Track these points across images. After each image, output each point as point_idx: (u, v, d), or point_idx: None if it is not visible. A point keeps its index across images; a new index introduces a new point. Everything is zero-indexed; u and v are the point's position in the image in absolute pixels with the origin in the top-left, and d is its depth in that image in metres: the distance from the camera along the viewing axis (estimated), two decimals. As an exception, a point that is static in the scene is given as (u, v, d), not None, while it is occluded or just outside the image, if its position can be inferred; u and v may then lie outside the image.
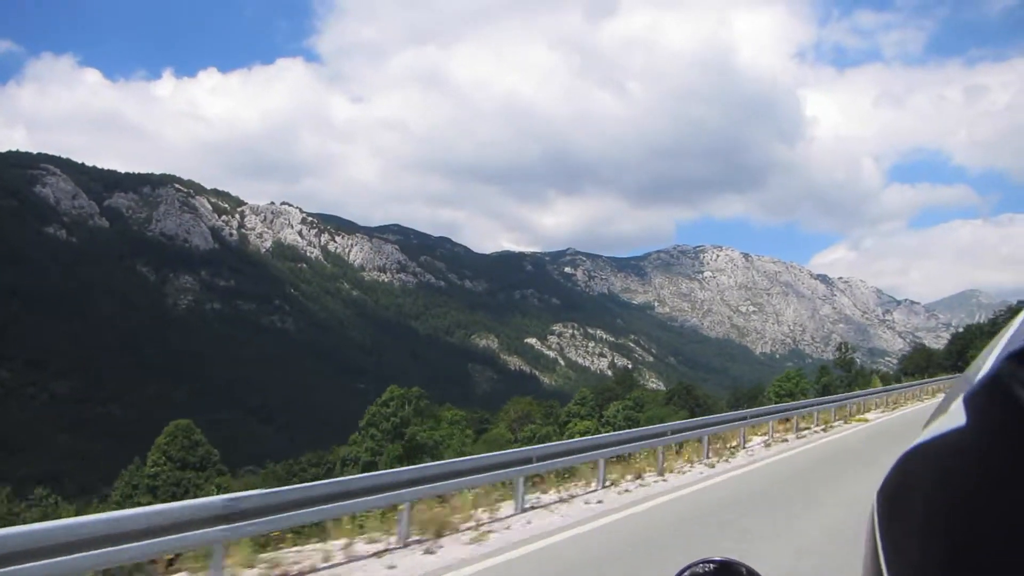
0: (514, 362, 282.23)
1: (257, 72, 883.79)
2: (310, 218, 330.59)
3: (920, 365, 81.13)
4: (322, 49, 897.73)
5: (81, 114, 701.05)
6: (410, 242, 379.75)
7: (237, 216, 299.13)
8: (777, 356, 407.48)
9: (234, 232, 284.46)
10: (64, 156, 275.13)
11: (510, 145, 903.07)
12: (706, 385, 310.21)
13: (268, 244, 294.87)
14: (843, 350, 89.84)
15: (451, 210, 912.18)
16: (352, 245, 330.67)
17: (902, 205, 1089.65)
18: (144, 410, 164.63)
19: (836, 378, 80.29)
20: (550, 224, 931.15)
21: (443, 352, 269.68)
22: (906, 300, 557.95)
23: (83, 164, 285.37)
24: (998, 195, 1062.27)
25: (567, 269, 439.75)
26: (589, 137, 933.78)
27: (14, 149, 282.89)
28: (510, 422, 75.06)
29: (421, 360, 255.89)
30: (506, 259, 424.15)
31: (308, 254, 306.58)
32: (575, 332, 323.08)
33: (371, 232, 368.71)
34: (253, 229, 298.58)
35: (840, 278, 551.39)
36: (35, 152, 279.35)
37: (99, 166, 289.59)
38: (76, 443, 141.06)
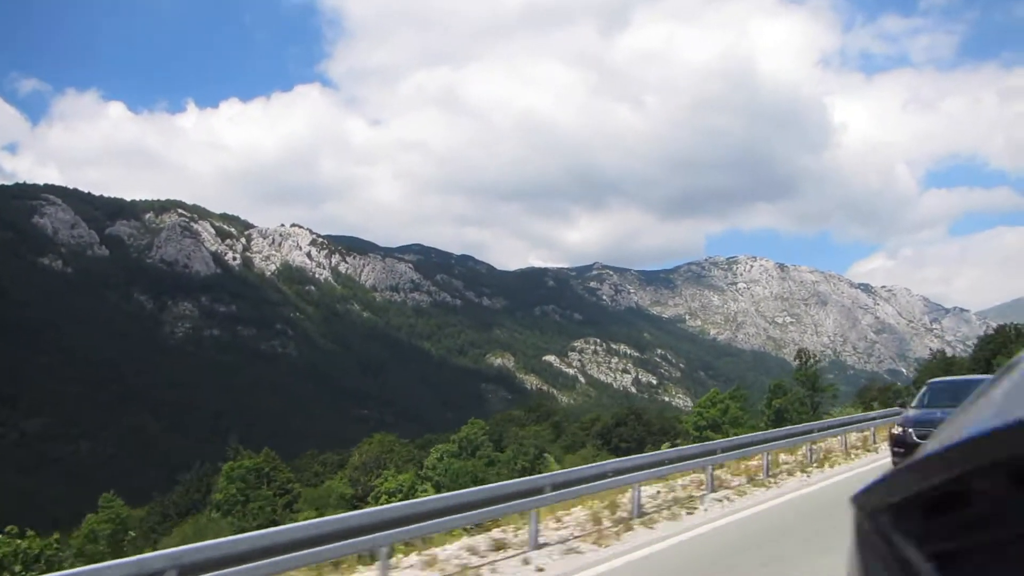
0: (531, 381, 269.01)
1: (276, 99, 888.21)
2: (320, 239, 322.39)
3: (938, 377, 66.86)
4: (334, 73, 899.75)
5: (108, 147, 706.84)
6: (430, 261, 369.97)
7: (243, 240, 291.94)
8: (816, 368, 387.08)
9: (237, 256, 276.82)
10: (71, 187, 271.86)
11: (531, 163, 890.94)
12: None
13: (274, 267, 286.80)
14: (804, 359, 75.60)
15: (476, 229, 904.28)
16: (364, 265, 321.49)
17: (940, 212, 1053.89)
18: (119, 446, 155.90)
19: (796, 399, 66.84)
20: (576, 240, 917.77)
21: (455, 373, 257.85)
22: (955, 308, 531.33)
23: (89, 193, 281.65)
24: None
25: (592, 284, 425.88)
26: (610, 152, 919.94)
27: (20, 181, 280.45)
28: (352, 469, 62.02)
29: (430, 382, 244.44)
30: (528, 275, 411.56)
31: (317, 276, 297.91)
32: (597, 348, 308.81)
33: (390, 252, 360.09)
34: (259, 252, 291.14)
35: (883, 287, 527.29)
36: (42, 184, 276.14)
37: (107, 195, 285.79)
38: (38, 484, 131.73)
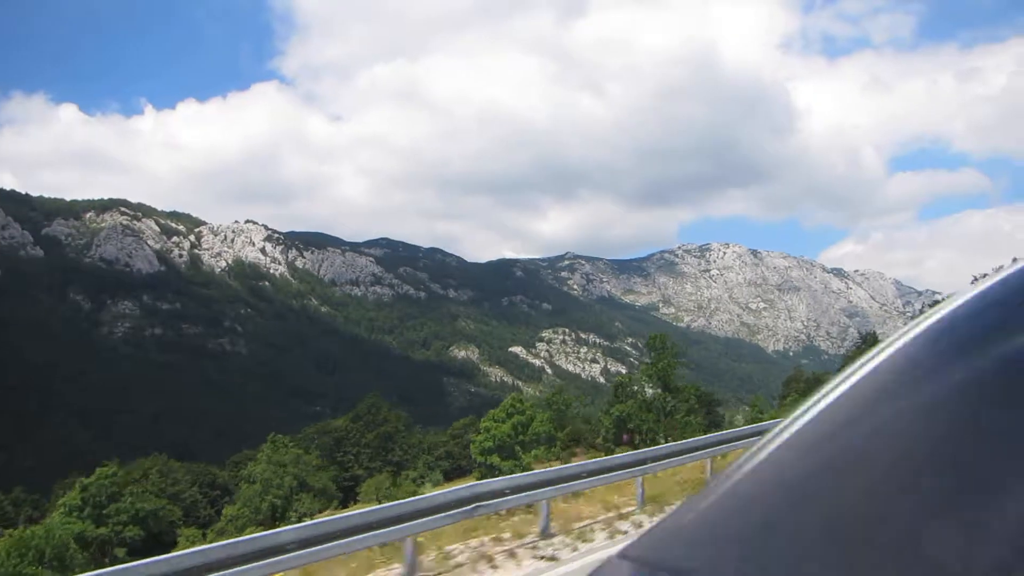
0: (495, 373, 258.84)
1: (233, 98, 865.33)
2: (277, 235, 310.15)
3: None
4: (288, 70, 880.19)
5: (62, 150, 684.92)
6: (397, 255, 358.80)
7: (192, 237, 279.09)
8: (791, 354, 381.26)
9: (184, 253, 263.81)
10: (7, 188, 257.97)
11: (497, 155, 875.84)
12: (712, 388, 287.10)
13: (224, 264, 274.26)
14: (656, 344, 63.16)
15: (447, 223, 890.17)
16: (323, 260, 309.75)
17: (908, 195, 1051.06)
18: (38, 457, 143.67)
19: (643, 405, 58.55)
20: (549, 231, 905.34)
21: (416, 367, 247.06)
22: (927, 291, 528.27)
23: (27, 195, 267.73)
24: (1007, 178, 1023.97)
25: (563, 274, 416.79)
26: (577, 142, 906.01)
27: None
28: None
29: (390, 377, 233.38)
30: (497, 267, 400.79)
31: (272, 271, 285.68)
32: (566, 338, 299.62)
33: (357, 247, 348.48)
34: (209, 249, 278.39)
35: (857, 271, 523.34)
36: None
37: (46, 195, 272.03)
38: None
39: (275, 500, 60.86)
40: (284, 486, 62.04)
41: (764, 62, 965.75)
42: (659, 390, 60.82)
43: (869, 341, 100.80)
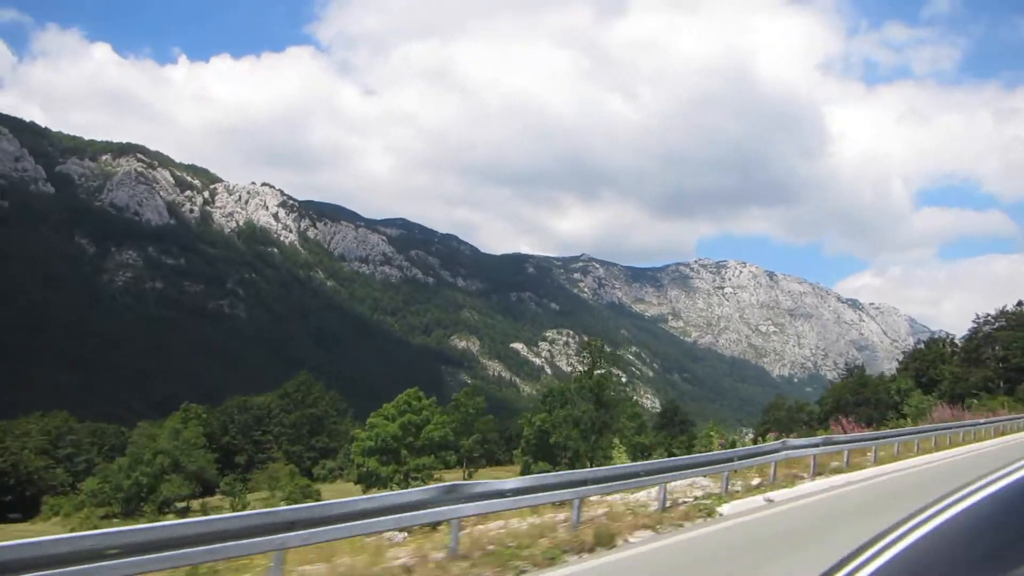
0: (494, 367, 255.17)
1: (267, 59, 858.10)
2: (292, 201, 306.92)
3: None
4: (324, 36, 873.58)
5: (94, 89, 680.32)
6: (412, 236, 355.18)
7: (205, 194, 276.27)
8: (795, 380, 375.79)
9: (196, 209, 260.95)
10: (28, 119, 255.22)
11: (522, 146, 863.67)
12: (711, 407, 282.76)
13: (235, 225, 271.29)
14: (591, 349, 58.26)
15: (467, 210, 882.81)
16: (335, 233, 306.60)
17: (932, 232, 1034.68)
18: (19, 403, 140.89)
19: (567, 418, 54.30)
20: (566, 229, 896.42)
21: (415, 352, 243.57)
22: (940, 331, 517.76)
23: (46, 128, 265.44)
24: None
25: (576, 275, 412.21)
26: (603, 142, 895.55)
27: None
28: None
29: (387, 359, 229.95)
30: (509, 261, 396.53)
31: (282, 239, 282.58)
32: (569, 340, 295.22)
33: (373, 224, 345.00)
34: (222, 208, 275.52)
35: (872, 304, 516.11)
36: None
37: (64, 132, 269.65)
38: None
39: (142, 478, 54.54)
40: (155, 464, 55.76)
41: (801, 81, 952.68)
42: (590, 404, 54.55)
43: (856, 375, 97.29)
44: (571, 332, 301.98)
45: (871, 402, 67.19)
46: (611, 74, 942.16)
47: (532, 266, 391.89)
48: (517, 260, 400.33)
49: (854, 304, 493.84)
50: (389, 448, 52.43)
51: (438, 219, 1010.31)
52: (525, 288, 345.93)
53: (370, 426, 54.51)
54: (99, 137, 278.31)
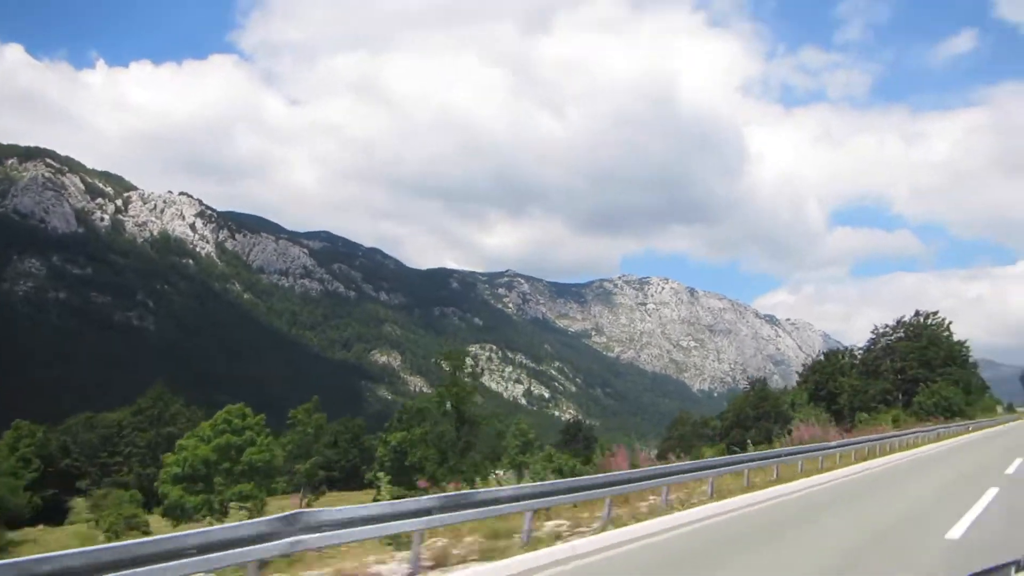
0: (415, 383, 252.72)
1: (190, 66, 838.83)
2: (209, 211, 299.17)
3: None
4: (246, 45, 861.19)
5: (4, 93, 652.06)
6: (336, 250, 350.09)
7: (119, 202, 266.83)
8: (715, 395, 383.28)
9: (106, 217, 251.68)
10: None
11: (451, 161, 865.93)
12: (632, 421, 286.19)
13: (148, 235, 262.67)
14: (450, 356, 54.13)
15: (393, 224, 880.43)
16: (254, 245, 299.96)
17: (845, 250, 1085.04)
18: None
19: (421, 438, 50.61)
20: (493, 245, 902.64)
21: (334, 367, 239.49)
22: (852, 346, 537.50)
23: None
24: (939, 245, 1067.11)
25: (501, 291, 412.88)
26: (531, 158, 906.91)
27: None
28: None
29: (304, 374, 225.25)
30: (433, 275, 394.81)
31: (198, 249, 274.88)
32: (493, 355, 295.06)
33: (296, 237, 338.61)
34: (135, 217, 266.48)
35: (788, 320, 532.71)
36: None
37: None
38: None
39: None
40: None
41: (722, 102, 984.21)
42: (449, 422, 50.84)
43: (757, 389, 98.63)
44: (494, 347, 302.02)
45: (771, 416, 67.59)
46: (540, 91, 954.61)
47: (456, 281, 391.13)
48: (441, 275, 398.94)
49: (771, 320, 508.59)
50: (199, 475, 45.38)
51: (363, 232, 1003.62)
52: (449, 303, 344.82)
53: (179, 448, 47.08)
54: (8, 141, 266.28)
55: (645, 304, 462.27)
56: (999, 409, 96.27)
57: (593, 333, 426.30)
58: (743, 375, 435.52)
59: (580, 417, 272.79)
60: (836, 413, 65.63)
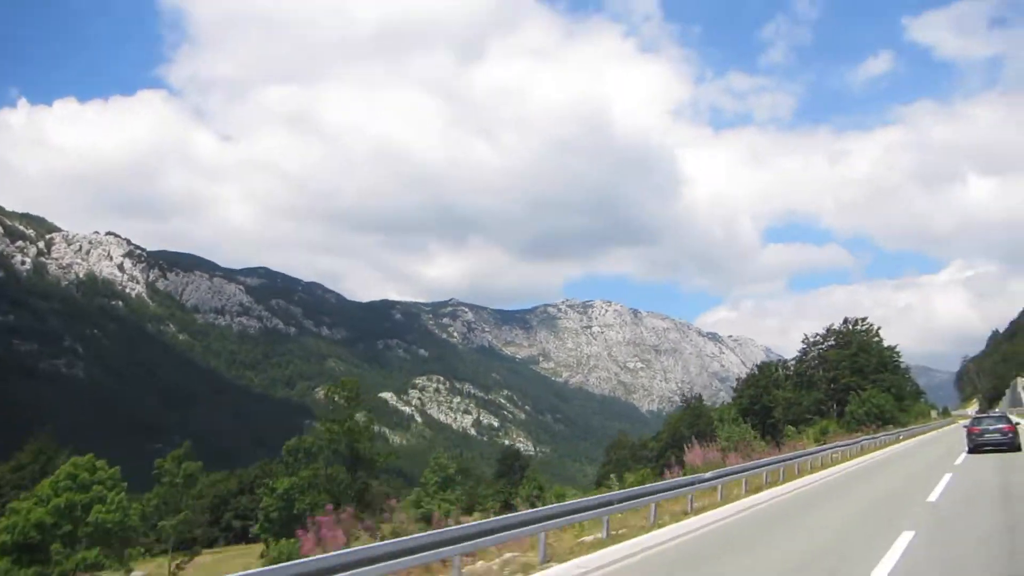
0: (361, 419, 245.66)
1: (117, 103, 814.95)
2: (138, 251, 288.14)
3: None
4: (175, 79, 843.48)
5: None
6: (275, 286, 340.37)
7: (41, 244, 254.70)
8: (664, 414, 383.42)
9: (27, 260, 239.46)
10: None
11: (389, 193, 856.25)
12: (582, 446, 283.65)
13: (74, 277, 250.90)
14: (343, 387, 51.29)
15: (332, 258, 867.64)
16: (187, 284, 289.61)
17: (779, 266, 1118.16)
18: None
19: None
20: (435, 275, 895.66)
21: (276, 407, 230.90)
22: (782, 358, 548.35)
23: None
24: (867, 257, 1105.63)
25: (445, 320, 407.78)
26: (469, 187, 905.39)
27: None
28: None
29: (246, 416, 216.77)
30: (375, 308, 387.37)
31: (128, 291, 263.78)
32: (440, 387, 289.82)
33: (233, 275, 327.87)
34: (59, 259, 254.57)
35: (731, 336, 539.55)
36: None
37: None
38: None
39: None
40: None
41: (655, 126, 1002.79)
42: (340, 463, 46.59)
43: (693, 404, 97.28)
44: (441, 378, 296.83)
45: (706, 434, 65.45)
46: (476, 120, 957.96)
47: (400, 312, 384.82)
48: (384, 307, 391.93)
49: (714, 337, 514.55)
50: (33, 543, 37.95)
51: (303, 268, 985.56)
52: (392, 335, 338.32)
53: (10, 512, 38.99)
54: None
55: (590, 327, 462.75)
56: (933, 414, 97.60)
57: (540, 359, 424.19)
58: (690, 394, 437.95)
59: (531, 445, 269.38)
60: (772, 427, 63.94)
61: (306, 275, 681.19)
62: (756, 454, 26.84)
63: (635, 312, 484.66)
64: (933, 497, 15.86)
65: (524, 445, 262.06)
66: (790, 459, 24.21)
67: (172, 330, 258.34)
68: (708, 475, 17.83)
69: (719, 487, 17.95)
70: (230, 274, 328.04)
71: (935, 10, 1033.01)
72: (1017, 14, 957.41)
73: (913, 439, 48.49)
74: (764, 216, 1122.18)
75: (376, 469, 48.89)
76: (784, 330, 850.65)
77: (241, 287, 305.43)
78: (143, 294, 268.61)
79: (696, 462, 25.11)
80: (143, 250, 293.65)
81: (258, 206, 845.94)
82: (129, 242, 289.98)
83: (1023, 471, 21.19)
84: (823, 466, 26.81)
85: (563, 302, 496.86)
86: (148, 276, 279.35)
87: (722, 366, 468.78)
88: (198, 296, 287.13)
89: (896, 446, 40.23)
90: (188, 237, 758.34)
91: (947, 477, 19.78)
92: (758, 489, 19.75)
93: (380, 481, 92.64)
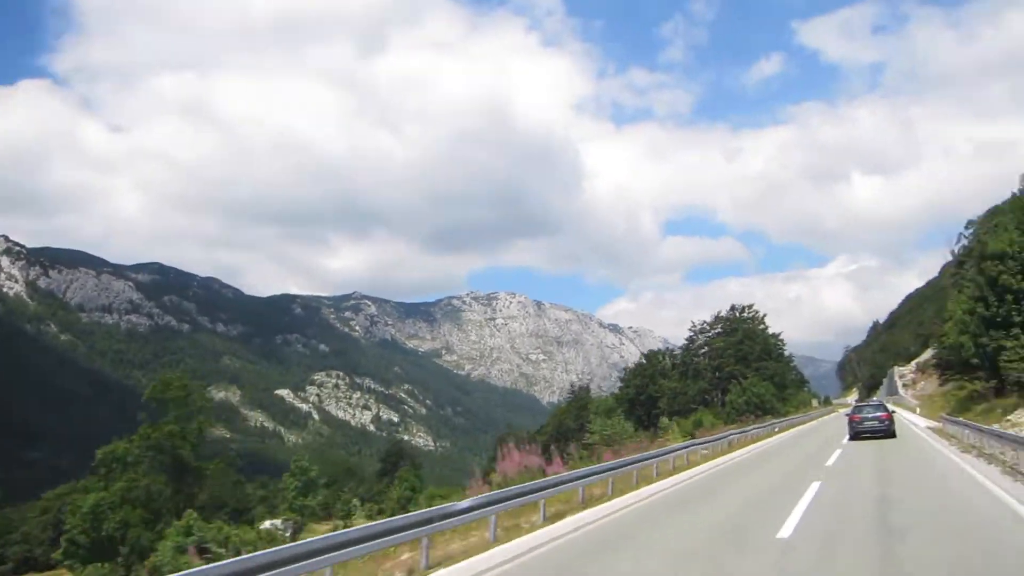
0: (256, 418, 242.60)
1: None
2: (17, 248, 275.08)
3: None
4: (60, 68, 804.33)
5: None
6: (167, 281, 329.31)
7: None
8: (564, 406, 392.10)
9: None
10: None
11: (288, 185, 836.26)
12: (483, 438, 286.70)
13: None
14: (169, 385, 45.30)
15: (231, 253, 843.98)
16: (71, 281, 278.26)
17: (678, 258, 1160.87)
18: None
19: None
20: (337, 268, 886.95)
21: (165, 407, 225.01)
22: (672, 347, 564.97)
23: None
24: (760, 251, 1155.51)
25: (347, 314, 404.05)
26: (371, 179, 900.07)
27: None
28: None
29: (134, 419, 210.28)
30: (274, 302, 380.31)
31: (6, 290, 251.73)
32: (339, 382, 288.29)
33: (123, 271, 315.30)
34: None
35: (631, 327, 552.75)
36: None
37: None
38: None
39: None
40: None
41: (558, 120, 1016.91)
42: (160, 472, 42.57)
43: (580, 395, 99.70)
44: (341, 373, 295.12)
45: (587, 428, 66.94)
46: (378, 112, 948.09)
47: (300, 306, 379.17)
48: (283, 301, 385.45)
49: (615, 328, 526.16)
50: None
51: (199, 263, 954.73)
52: (292, 329, 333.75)
53: None
54: None
55: (494, 319, 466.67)
56: (815, 403, 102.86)
57: (444, 352, 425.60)
58: (591, 385, 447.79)
59: (431, 440, 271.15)
60: (657, 418, 65.06)
61: (203, 270, 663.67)
62: (624, 450, 23.53)
63: (539, 304, 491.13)
64: (785, 533, 10.43)
65: (424, 440, 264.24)
66: (619, 466, 17.94)
67: (53, 330, 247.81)
68: (464, 504, 11.28)
69: (542, 501, 13.34)
70: (120, 270, 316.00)
71: (822, 15, 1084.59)
72: (897, 22, 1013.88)
73: (791, 430, 46.26)
74: (664, 209, 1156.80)
75: (204, 479, 44.45)
76: (682, 321, 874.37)
77: (131, 284, 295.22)
78: (22, 293, 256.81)
79: (509, 472, 19.24)
80: (23, 247, 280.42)
81: (151, 199, 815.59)
82: (7, 239, 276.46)
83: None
84: (676, 470, 21.64)
85: (468, 294, 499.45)
86: (28, 274, 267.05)
87: (622, 357, 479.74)
88: (83, 294, 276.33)
89: (767, 440, 36.03)
90: (75, 233, 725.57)
91: (817, 484, 15.46)
92: (587, 504, 15.16)
93: (258, 485, 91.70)
